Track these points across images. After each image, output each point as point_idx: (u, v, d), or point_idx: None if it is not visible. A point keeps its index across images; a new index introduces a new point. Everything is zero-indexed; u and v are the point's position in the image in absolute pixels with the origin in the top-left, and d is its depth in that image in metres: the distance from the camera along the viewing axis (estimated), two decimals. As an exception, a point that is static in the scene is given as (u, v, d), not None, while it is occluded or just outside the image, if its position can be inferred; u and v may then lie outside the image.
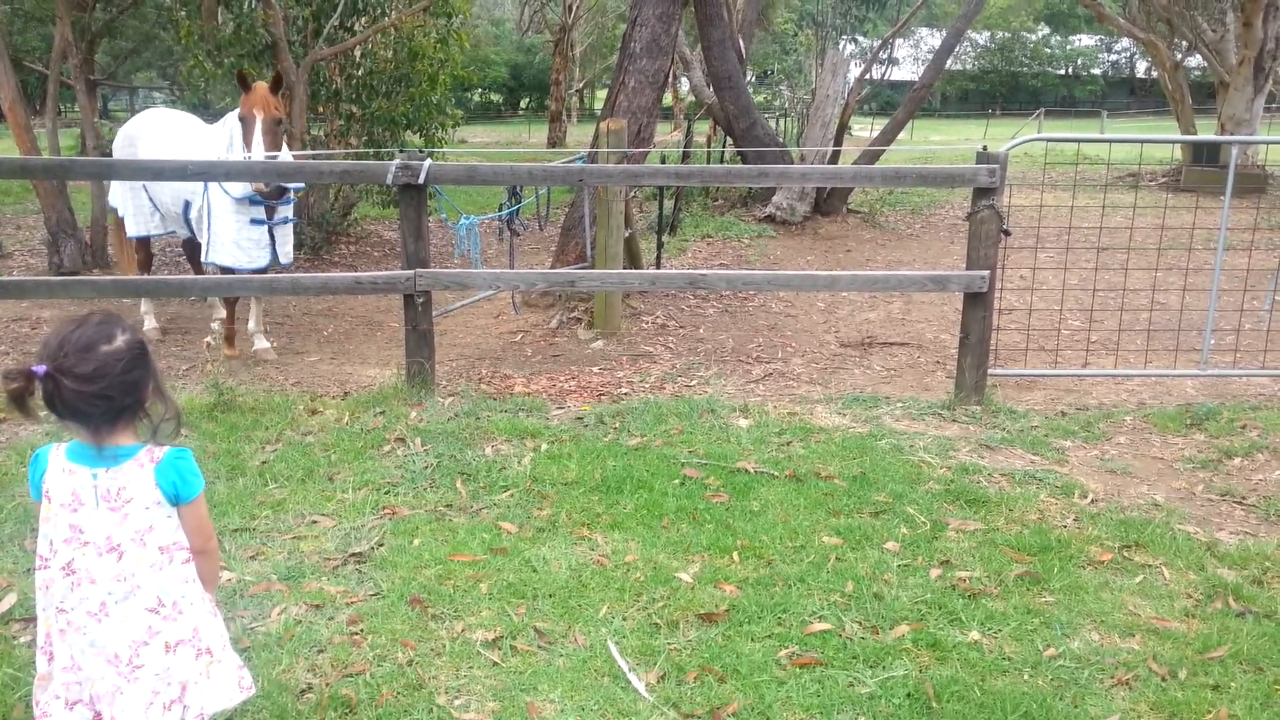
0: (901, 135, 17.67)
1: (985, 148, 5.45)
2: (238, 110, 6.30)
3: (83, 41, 11.07)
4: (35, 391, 1.92)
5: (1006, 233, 5.42)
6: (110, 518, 2.03)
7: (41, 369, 1.90)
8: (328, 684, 2.78)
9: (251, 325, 7.00)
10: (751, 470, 4.44)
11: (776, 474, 4.41)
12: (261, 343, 6.97)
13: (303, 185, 6.87)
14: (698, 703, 2.73)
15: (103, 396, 1.95)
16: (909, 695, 2.78)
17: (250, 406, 5.26)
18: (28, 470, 2.12)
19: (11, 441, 4.84)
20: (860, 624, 3.15)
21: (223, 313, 7.03)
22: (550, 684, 2.80)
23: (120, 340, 1.99)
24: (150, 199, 7.11)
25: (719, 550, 3.65)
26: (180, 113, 7.56)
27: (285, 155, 6.61)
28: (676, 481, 4.29)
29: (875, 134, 17.37)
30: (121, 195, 7.29)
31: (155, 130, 7.15)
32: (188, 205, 6.86)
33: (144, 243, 7.43)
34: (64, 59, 10.14)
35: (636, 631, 3.07)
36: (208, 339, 7.04)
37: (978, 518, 4.02)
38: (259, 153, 6.05)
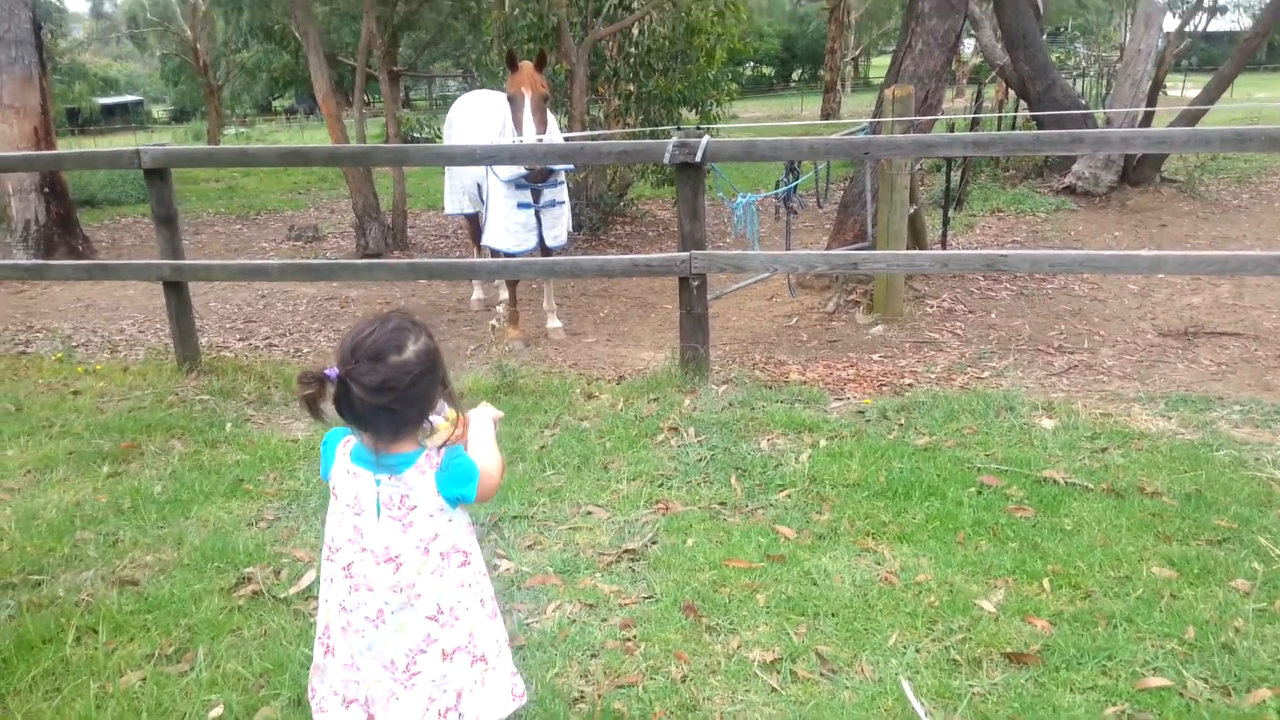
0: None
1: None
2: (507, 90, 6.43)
3: (385, 35, 11.84)
4: (327, 395, 1.90)
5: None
6: (391, 527, 1.99)
7: (334, 372, 1.88)
8: (600, 694, 2.67)
9: (545, 305, 7.22)
10: (1060, 481, 3.94)
11: (1091, 486, 3.88)
12: (554, 322, 7.17)
13: (571, 166, 6.93)
14: (1006, 759, 2.39)
15: (387, 410, 1.91)
16: (1276, 778, 2.29)
17: (530, 389, 5.34)
18: (320, 449, 2.13)
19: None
20: (1207, 681, 2.65)
21: (501, 295, 7.27)
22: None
23: (410, 350, 1.93)
24: (460, 180, 7.48)
25: (1026, 575, 3.23)
26: (494, 94, 7.71)
27: (554, 134, 6.68)
28: (972, 490, 3.88)
29: (1188, 93, 15.46)
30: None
31: (466, 113, 7.49)
32: (479, 187, 7.13)
33: (469, 219, 7.79)
34: (369, 52, 10.85)
35: (932, 667, 2.75)
36: (492, 321, 7.30)
37: (1353, 554, 3.34)
38: (529, 131, 6.14)
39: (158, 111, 62.03)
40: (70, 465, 4.45)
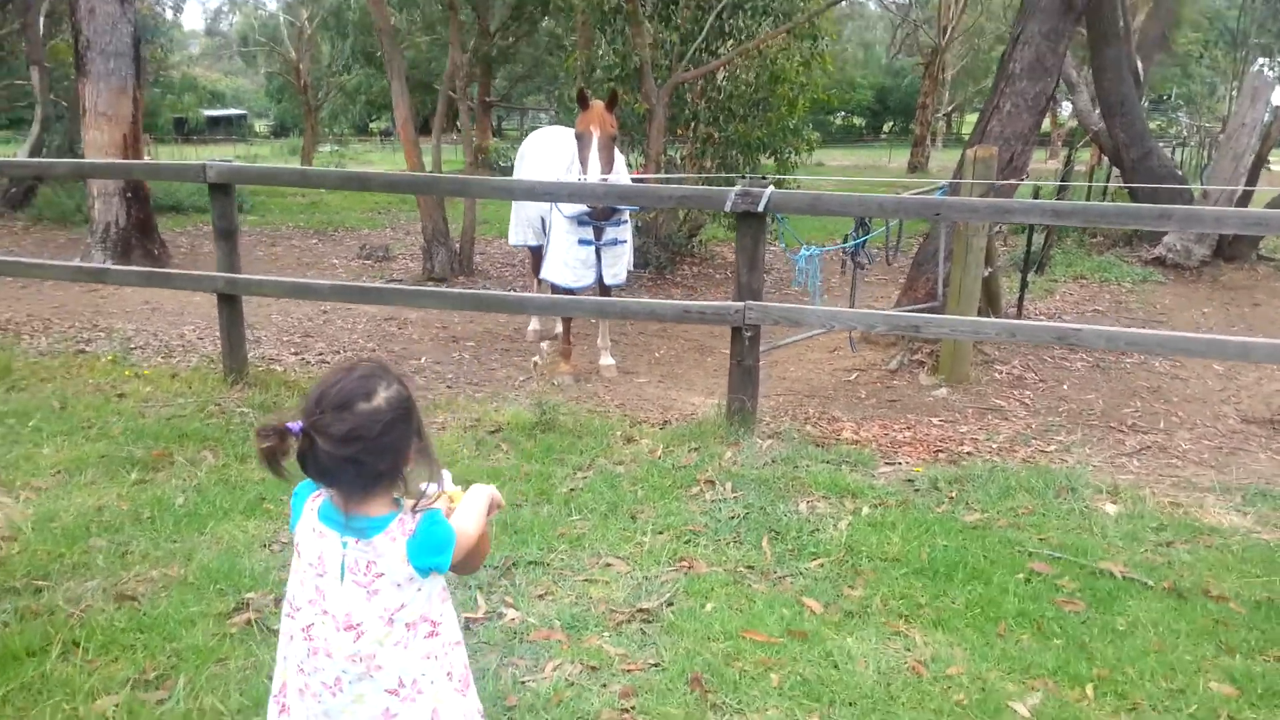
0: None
1: None
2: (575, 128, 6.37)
3: (475, 67, 11.96)
4: (290, 450, 1.76)
5: None
6: (354, 593, 1.84)
7: (297, 426, 1.75)
8: (586, 769, 2.49)
9: (600, 341, 7.11)
10: (1118, 574, 3.64)
11: (1151, 583, 3.58)
12: (607, 359, 7.05)
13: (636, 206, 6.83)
14: None
15: (355, 461, 1.76)
16: None
17: (569, 428, 5.19)
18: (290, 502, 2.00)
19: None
20: (1264, 824, 2.36)
21: (558, 328, 7.18)
22: (837, 823, 2.32)
23: (380, 397, 1.79)
24: (525, 213, 7.44)
25: (1068, 678, 2.95)
26: (567, 131, 7.72)
27: (621, 174, 6.59)
28: (1020, 576, 3.61)
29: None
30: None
31: (536, 147, 7.48)
32: (543, 220, 7.09)
33: (532, 251, 7.70)
34: (454, 81, 10.95)
35: (952, 774, 2.50)
36: (535, 358, 7.20)
37: None
38: (593, 170, 6.06)
39: (260, 126, 64.22)
40: (100, 469, 4.43)
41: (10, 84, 21.06)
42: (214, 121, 56.81)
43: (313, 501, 1.90)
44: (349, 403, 1.76)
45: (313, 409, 1.75)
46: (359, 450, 1.75)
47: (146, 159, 21.71)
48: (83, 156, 10.06)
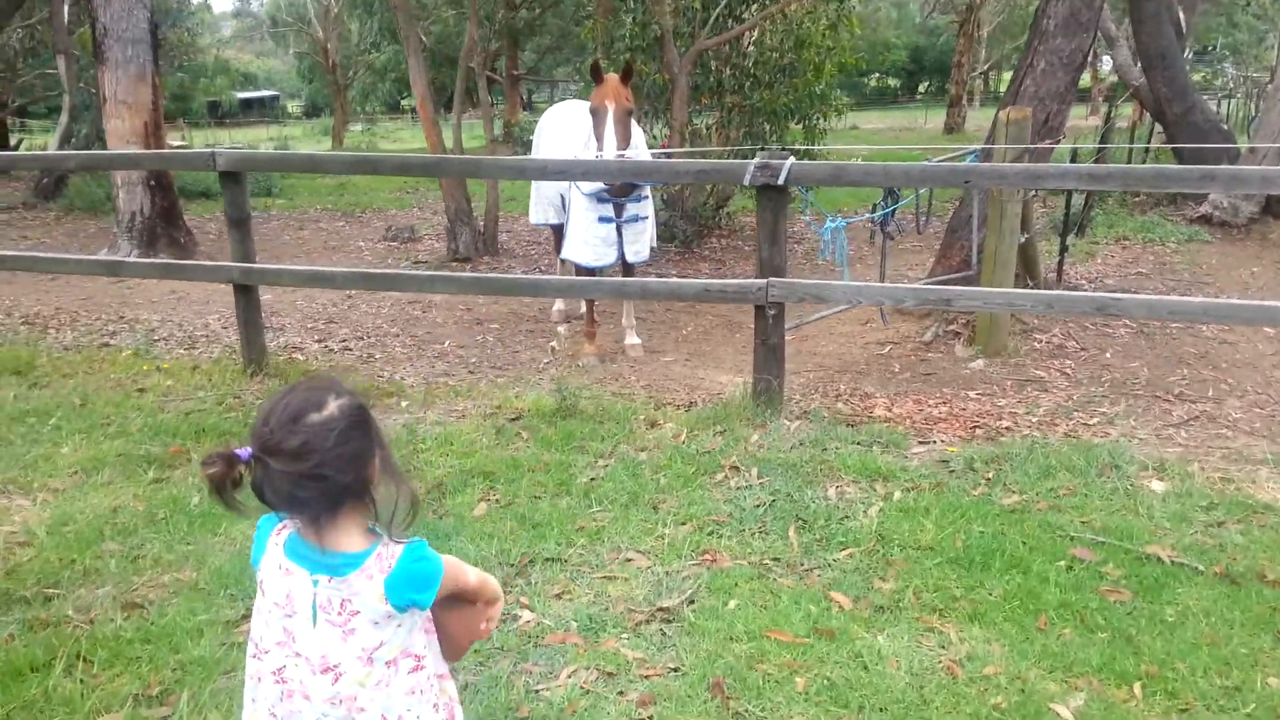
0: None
1: None
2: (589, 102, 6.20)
3: (501, 40, 11.75)
4: (240, 478, 1.63)
5: None
6: (329, 634, 1.70)
7: (246, 452, 1.62)
8: (600, 786, 2.37)
9: (624, 320, 6.98)
10: (1166, 559, 3.45)
11: (1201, 569, 3.39)
12: (632, 338, 6.92)
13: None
14: None
15: (315, 476, 1.62)
16: None
17: (591, 413, 5.06)
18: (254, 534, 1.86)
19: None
20: (1329, 840, 2.19)
21: (582, 309, 7.05)
22: (865, 844, 2.19)
23: (332, 406, 1.65)
24: (544, 191, 7.29)
25: (1114, 675, 2.78)
26: (585, 105, 7.58)
27: (640, 149, 6.41)
28: (1062, 563, 3.43)
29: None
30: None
31: (553, 123, 7.32)
32: (563, 198, 6.94)
33: (554, 229, 7.55)
34: (472, 56, 10.79)
35: (988, 788, 2.36)
36: (552, 344, 7.07)
37: None
38: (610, 146, 5.89)
39: (292, 106, 64.49)
40: (117, 468, 4.38)
41: (42, 73, 21.21)
42: (247, 104, 57.12)
43: (277, 535, 1.76)
44: (299, 416, 1.62)
45: (261, 429, 1.63)
46: (316, 464, 1.61)
47: (178, 144, 21.78)
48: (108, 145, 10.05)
